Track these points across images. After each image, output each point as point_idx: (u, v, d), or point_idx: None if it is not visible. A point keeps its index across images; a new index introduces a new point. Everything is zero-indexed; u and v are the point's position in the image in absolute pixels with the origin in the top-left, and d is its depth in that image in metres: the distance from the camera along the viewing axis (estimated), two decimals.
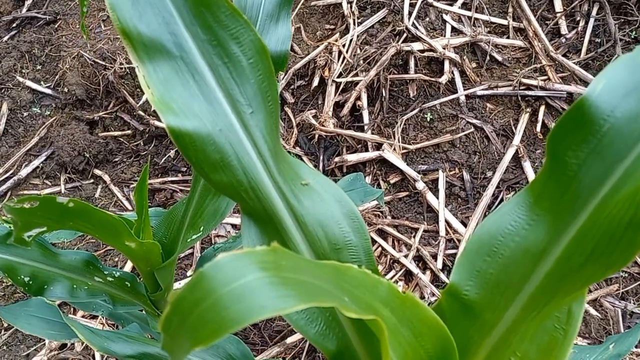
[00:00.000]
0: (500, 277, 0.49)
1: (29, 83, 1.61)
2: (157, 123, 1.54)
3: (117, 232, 0.69)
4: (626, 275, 1.23)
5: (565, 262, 0.45)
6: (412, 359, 0.51)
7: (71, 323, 0.67)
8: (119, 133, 1.59)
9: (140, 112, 1.58)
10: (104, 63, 1.54)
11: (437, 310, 0.53)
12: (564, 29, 1.50)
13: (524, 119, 1.41)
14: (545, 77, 1.42)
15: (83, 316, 1.24)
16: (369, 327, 0.45)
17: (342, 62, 1.48)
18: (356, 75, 1.45)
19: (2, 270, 0.72)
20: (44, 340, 1.21)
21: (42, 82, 1.62)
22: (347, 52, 1.48)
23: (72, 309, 1.26)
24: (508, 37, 1.49)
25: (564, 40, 1.48)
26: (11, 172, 1.53)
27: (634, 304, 1.19)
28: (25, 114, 1.60)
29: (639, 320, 1.12)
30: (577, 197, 0.44)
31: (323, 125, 1.44)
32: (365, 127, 1.44)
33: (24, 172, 1.52)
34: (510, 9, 1.52)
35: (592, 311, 1.18)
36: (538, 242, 0.47)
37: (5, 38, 1.70)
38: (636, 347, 1.15)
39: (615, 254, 0.41)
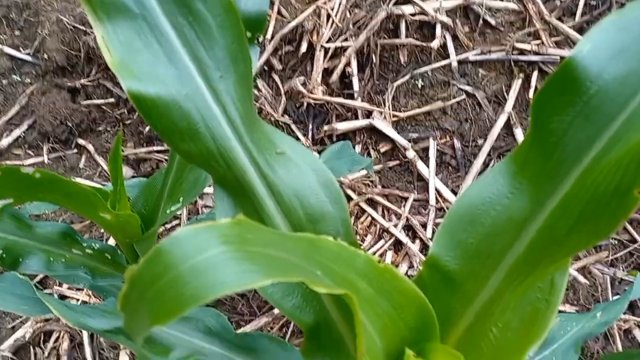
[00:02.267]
0: (481, 247, 0.47)
1: (7, 50, 1.56)
2: None
3: (91, 203, 0.67)
4: (616, 242, 1.23)
5: (548, 231, 0.43)
6: (392, 331, 0.49)
7: (45, 298, 0.65)
8: (102, 101, 1.55)
9: None
10: (84, 28, 1.49)
11: (418, 282, 0.52)
12: None
13: (517, 85, 1.38)
14: (539, 42, 1.39)
15: (69, 288, 1.23)
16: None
17: (331, 27, 1.43)
18: (346, 40, 1.41)
19: None
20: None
21: (21, 49, 1.57)
22: (336, 15, 1.43)
23: (57, 282, 1.24)
24: (502, 0, 1.45)
25: (558, 2, 1.44)
26: None
27: (624, 271, 1.19)
28: (4, 82, 1.56)
29: (627, 288, 1.12)
30: (561, 164, 0.42)
31: (312, 93, 1.40)
32: (355, 95, 1.41)
33: (5, 142, 1.48)
34: None
35: (581, 278, 1.18)
36: (520, 211, 0.45)
37: None
38: (624, 313, 1.14)
39: (601, 222, 0.39)
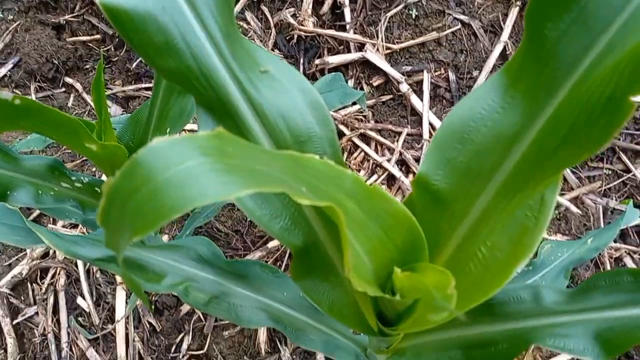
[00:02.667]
0: (471, 165, 0.46)
1: None
2: None
3: (75, 133, 0.65)
4: (609, 172, 1.22)
5: (539, 145, 0.42)
6: (381, 252, 0.49)
7: (35, 228, 0.65)
8: (88, 38, 1.50)
9: None
10: None
11: (407, 203, 0.51)
12: None
13: (514, 13, 1.34)
14: None
15: (64, 226, 1.24)
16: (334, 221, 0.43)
17: None
18: None
19: None
20: (25, 250, 1.21)
21: None
22: None
23: (51, 220, 1.24)
24: None
25: None
26: None
27: (616, 201, 1.19)
28: None
29: (620, 217, 1.12)
30: (555, 74, 0.41)
31: (302, 25, 1.36)
32: (347, 26, 1.37)
33: None
34: None
35: (573, 208, 1.18)
36: (512, 126, 0.44)
37: None
38: (615, 242, 1.16)
39: (593, 133, 0.38)
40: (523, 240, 0.46)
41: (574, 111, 0.39)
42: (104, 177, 1.24)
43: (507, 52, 1.32)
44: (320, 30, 1.36)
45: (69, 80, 1.48)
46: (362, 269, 0.47)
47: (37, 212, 1.23)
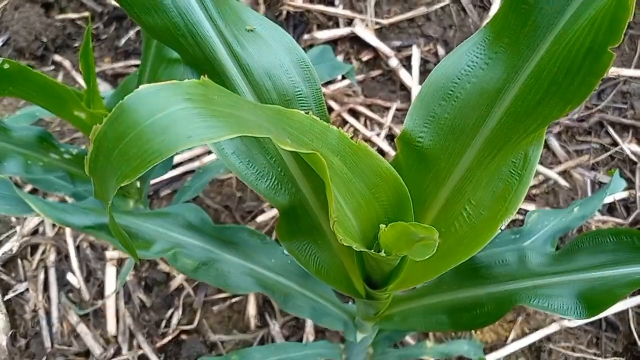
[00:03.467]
0: (455, 122, 0.47)
1: None
2: (115, 3, 1.44)
3: (64, 100, 0.65)
4: (597, 146, 1.24)
5: (522, 99, 0.43)
6: (366, 211, 0.50)
7: (24, 196, 0.65)
8: (77, 15, 1.49)
9: None
10: None
11: (393, 163, 0.52)
12: None
13: None
14: None
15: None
16: (321, 181, 0.43)
17: None
18: None
19: None
20: (15, 227, 1.21)
21: None
22: None
23: (42, 195, 1.24)
24: None
25: None
26: None
27: (604, 174, 1.20)
28: None
29: (605, 186, 1.14)
30: (536, 29, 0.41)
31: (291, 0, 1.35)
32: (336, 2, 1.37)
33: None
34: None
35: (561, 181, 1.19)
36: (495, 81, 0.44)
37: None
38: (603, 215, 1.17)
39: (574, 85, 0.39)
40: (507, 197, 0.47)
41: (556, 64, 0.39)
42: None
43: None
44: (309, 6, 1.35)
45: (57, 58, 1.46)
46: (347, 224, 0.48)
47: (29, 187, 1.23)
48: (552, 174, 1.20)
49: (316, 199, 0.53)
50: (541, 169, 1.20)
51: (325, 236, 0.55)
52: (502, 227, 0.48)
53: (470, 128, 0.46)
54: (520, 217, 1.18)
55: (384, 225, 0.46)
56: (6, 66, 0.56)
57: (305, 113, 0.43)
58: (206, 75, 0.36)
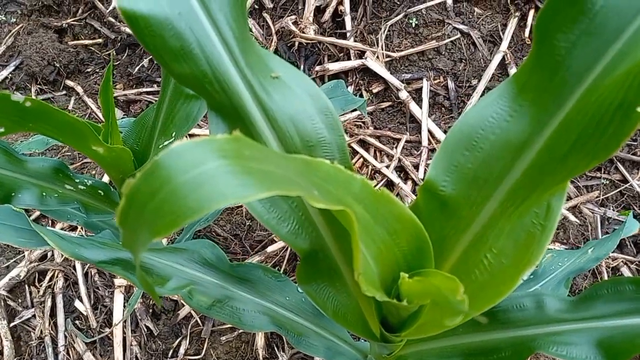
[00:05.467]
0: (478, 172, 0.47)
1: None
2: (129, 30, 1.46)
3: (83, 135, 0.66)
4: (607, 182, 1.24)
5: (548, 152, 0.43)
6: (386, 257, 0.50)
7: (39, 229, 0.65)
8: (90, 42, 1.51)
9: (111, 19, 1.49)
10: None
11: (413, 209, 0.52)
12: None
13: (513, 23, 1.35)
14: None
15: (62, 228, 1.23)
16: (341, 226, 0.43)
17: None
18: None
19: None
20: (23, 252, 1.20)
21: None
22: None
23: (50, 222, 1.24)
24: None
25: None
26: None
27: (614, 210, 1.20)
28: None
29: (617, 227, 1.13)
30: (564, 84, 0.41)
31: (303, 32, 1.37)
32: (348, 34, 1.38)
33: None
34: None
35: (571, 217, 1.19)
36: (520, 134, 0.44)
37: None
38: (612, 252, 1.17)
39: (602, 141, 0.39)
40: (529, 247, 0.47)
41: (583, 119, 0.39)
42: (105, 179, 1.24)
43: (506, 62, 1.34)
44: (321, 38, 1.37)
45: (70, 83, 1.48)
46: (369, 272, 0.47)
47: (37, 213, 1.23)
48: (562, 210, 1.19)
49: (336, 243, 0.53)
50: None
51: (344, 280, 0.55)
52: (524, 277, 0.47)
53: (494, 178, 0.46)
54: None
55: (406, 275, 0.45)
56: (28, 104, 0.56)
57: (330, 161, 0.43)
58: (238, 130, 0.36)
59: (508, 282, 0.47)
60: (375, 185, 1.29)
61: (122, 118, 1.42)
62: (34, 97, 1.47)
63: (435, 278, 0.46)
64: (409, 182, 1.28)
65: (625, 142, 0.38)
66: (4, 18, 1.52)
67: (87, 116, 1.44)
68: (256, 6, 1.44)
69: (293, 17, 1.40)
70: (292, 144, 0.49)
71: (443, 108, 1.35)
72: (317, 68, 1.36)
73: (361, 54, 1.37)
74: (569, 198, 1.22)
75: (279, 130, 0.49)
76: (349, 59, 1.38)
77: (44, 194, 0.76)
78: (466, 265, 0.51)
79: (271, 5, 1.43)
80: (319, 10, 1.40)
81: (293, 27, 1.37)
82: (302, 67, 1.40)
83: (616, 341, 0.54)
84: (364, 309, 0.58)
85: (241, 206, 1.26)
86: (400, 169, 1.30)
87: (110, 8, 1.48)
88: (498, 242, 0.49)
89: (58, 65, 1.47)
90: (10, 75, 1.48)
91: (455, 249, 0.52)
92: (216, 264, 0.67)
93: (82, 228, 1.20)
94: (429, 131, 1.32)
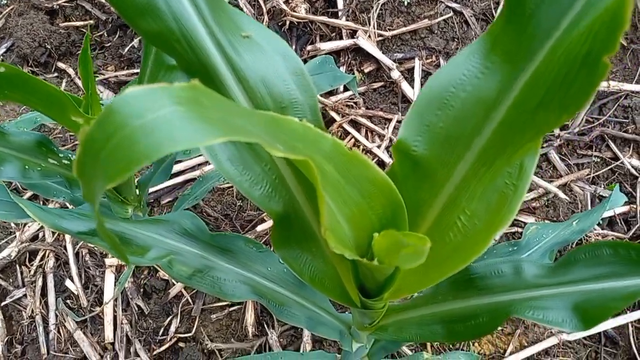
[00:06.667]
0: (450, 131, 0.46)
1: None
2: None
3: (62, 105, 0.65)
4: (598, 160, 1.23)
5: (518, 108, 0.42)
6: (360, 220, 0.49)
7: (18, 200, 0.65)
8: (81, 23, 1.50)
9: (102, 0, 1.48)
10: None
11: (388, 173, 0.51)
12: None
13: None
14: None
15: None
16: (314, 188, 0.43)
17: None
18: None
19: None
20: (15, 233, 1.21)
21: None
22: None
23: (41, 202, 1.24)
24: None
25: None
26: None
27: (604, 188, 1.20)
28: None
29: (605, 200, 1.13)
30: (533, 38, 0.41)
31: (294, 11, 1.36)
32: (340, 13, 1.37)
33: None
34: None
35: (561, 195, 1.19)
36: (491, 90, 0.44)
37: None
38: (603, 229, 1.16)
39: (570, 94, 0.39)
40: (502, 208, 0.47)
41: (552, 72, 0.39)
42: None
43: None
44: (312, 17, 1.36)
45: (61, 65, 1.47)
46: (340, 233, 0.47)
47: (29, 193, 1.23)
48: (552, 187, 1.19)
49: (310, 207, 0.53)
50: (541, 182, 1.20)
51: (319, 244, 0.55)
52: (496, 238, 0.47)
53: (465, 138, 0.46)
54: (520, 229, 1.17)
55: (377, 234, 0.45)
56: (2, 70, 0.56)
57: (300, 120, 0.43)
58: (198, 80, 0.36)
59: (481, 243, 0.47)
60: None
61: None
62: None
63: (407, 236, 0.46)
64: None
65: (594, 94, 0.38)
66: None
67: None
68: None
69: None
70: (264, 105, 0.49)
71: None
72: (309, 47, 1.35)
73: (353, 33, 1.36)
74: (560, 176, 1.22)
75: (250, 90, 0.48)
76: (340, 38, 1.37)
77: (27, 167, 0.75)
78: (440, 227, 0.51)
79: None
80: None
81: (284, 6, 1.36)
82: (293, 46, 1.39)
83: (592, 304, 0.54)
84: (341, 275, 0.57)
85: (232, 187, 1.26)
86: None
87: None
88: (471, 203, 0.48)
89: (49, 47, 1.46)
90: (1, 57, 1.48)
91: (430, 213, 0.52)
92: (197, 235, 0.67)
93: (70, 204, 1.20)
94: None
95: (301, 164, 0.37)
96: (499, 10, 1.34)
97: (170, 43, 0.45)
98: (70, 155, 0.81)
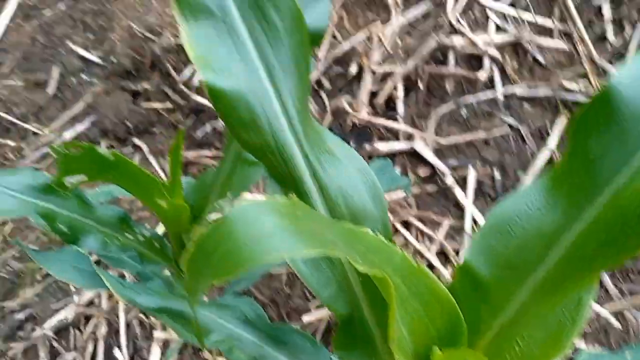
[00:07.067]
0: (512, 258, 0.50)
1: (80, 51, 1.67)
2: (197, 98, 1.58)
3: (151, 188, 0.73)
4: None
5: (578, 247, 0.46)
6: (420, 330, 0.52)
7: (101, 273, 0.70)
8: (161, 105, 1.63)
9: (182, 87, 1.62)
10: (151, 36, 1.58)
11: (449, 288, 0.54)
12: (610, 35, 1.47)
13: (561, 122, 1.39)
14: (587, 82, 1.40)
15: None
16: (378, 295, 0.47)
17: (381, 52, 1.48)
18: (394, 65, 1.46)
19: (42, 217, 0.76)
20: (72, 295, 1.27)
21: (92, 51, 1.68)
22: (387, 42, 1.48)
23: (104, 268, 1.30)
24: (552, 38, 1.47)
25: (609, 46, 1.46)
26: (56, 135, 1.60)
27: None
28: (74, 80, 1.66)
29: None
30: (596, 182, 0.45)
31: (356, 111, 1.45)
32: (399, 118, 1.45)
33: (67, 135, 1.58)
34: (557, 11, 1.50)
35: (613, 321, 1.17)
36: (552, 224, 0.47)
37: (62, 7, 1.76)
38: None
39: (629, 242, 0.42)
40: (559, 338, 0.49)
41: (612, 219, 0.43)
42: (159, 231, 1.31)
43: (554, 159, 1.37)
44: (373, 119, 1.44)
45: (137, 141, 1.59)
46: (403, 343, 0.50)
47: (93, 257, 1.30)
48: (604, 312, 1.17)
49: (372, 312, 0.56)
50: (594, 306, 1.18)
51: (378, 350, 0.57)
52: None
53: (526, 265, 0.49)
54: (570, 351, 1.15)
55: (436, 347, 0.48)
56: (112, 158, 0.64)
57: (373, 232, 0.47)
58: (294, 194, 0.41)
59: None
60: None
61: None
62: None
63: (466, 353, 0.48)
64: (449, 267, 1.29)
65: None
66: (87, 78, 1.68)
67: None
68: (315, 86, 1.53)
69: (348, 97, 1.49)
70: (340, 214, 0.54)
71: (488, 197, 1.38)
72: (367, 147, 1.43)
73: (410, 137, 1.43)
74: (612, 300, 1.20)
75: (330, 201, 0.53)
76: (397, 140, 1.44)
77: (107, 240, 0.82)
78: (498, 348, 0.53)
79: (329, 86, 1.52)
80: (374, 94, 1.49)
81: (347, 107, 1.45)
82: (352, 144, 1.46)
83: None
84: None
85: (281, 273, 1.30)
86: (441, 253, 1.32)
87: (183, 77, 1.61)
88: (529, 329, 0.51)
89: (129, 125, 1.59)
90: (85, 130, 1.61)
91: (488, 332, 0.54)
92: (255, 322, 0.71)
93: (136, 277, 1.25)
94: (473, 218, 1.34)
95: (379, 280, 0.41)
96: (554, 131, 1.39)
97: (266, 154, 0.51)
98: (144, 233, 0.88)
